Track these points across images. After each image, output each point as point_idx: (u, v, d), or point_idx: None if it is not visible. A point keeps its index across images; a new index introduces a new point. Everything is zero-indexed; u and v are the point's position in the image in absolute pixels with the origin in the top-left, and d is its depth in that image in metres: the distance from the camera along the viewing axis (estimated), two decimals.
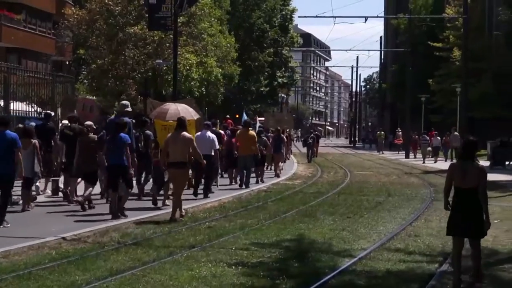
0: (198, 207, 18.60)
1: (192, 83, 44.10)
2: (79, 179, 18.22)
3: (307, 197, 21.78)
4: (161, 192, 18.98)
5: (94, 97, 38.18)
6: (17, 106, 28.00)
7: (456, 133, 45.26)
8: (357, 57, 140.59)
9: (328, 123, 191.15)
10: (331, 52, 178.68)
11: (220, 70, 50.10)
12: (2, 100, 27.62)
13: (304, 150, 49.99)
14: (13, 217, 15.18)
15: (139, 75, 42.76)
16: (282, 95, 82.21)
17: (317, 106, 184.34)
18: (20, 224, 14.62)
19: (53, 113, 23.95)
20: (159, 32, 40.86)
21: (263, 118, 47.17)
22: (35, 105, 29.90)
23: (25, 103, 29.23)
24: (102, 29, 42.90)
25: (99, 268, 10.53)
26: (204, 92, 48.97)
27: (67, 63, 60.16)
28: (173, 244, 12.80)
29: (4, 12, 50.84)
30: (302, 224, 15.65)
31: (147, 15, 38.31)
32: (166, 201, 18.32)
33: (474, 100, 50.98)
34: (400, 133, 65.89)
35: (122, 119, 17.08)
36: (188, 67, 42.52)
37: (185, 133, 16.29)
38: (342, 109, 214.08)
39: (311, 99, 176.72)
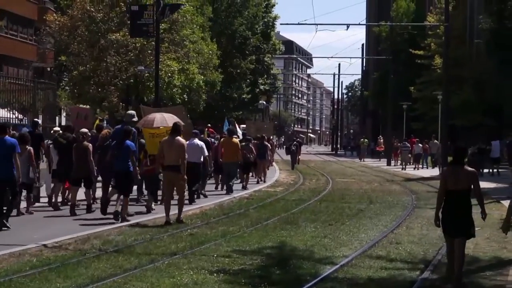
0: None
1: (174, 90, 43.99)
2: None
3: (289, 204, 21.79)
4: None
5: (87, 106, 38.08)
6: None
7: (435, 141, 45.48)
8: (339, 64, 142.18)
9: (310, 130, 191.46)
10: (313, 59, 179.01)
11: (202, 77, 50.03)
12: None
13: (286, 157, 50.06)
14: None
15: (121, 82, 42.62)
16: (263, 102, 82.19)
17: (299, 113, 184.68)
18: (2, 231, 14.53)
19: (40, 121, 24.09)
20: (141, 39, 40.76)
21: (244, 126, 47.20)
22: (16, 112, 29.79)
23: (6, 109, 29.12)
24: (84, 35, 42.74)
25: (80, 275, 10.49)
26: (186, 99, 48.85)
27: (49, 69, 59.94)
28: (155, 251, 12.77)
29: None
30: (284, 231, 15.66)
31: (129, 22, 38.26)
32: (153, 205, 18.64)
33: (455, 107, 51.29)
34: (382, 140, 66.12)
35: (129, 126, 17.89)
36: (170, 74, 42.42)
37: (179, 138, 16.96)
38: (324, 116, 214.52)
39: (293, 106, 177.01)
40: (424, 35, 65.84)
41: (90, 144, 18.61)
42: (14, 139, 15.70)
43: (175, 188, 17.27)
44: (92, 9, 42.15)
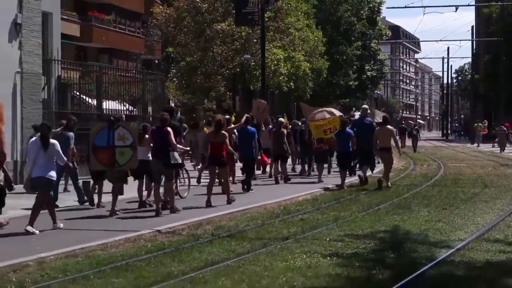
0: (291, 200, 18.56)
1: (280, 78, 44.08)
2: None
3: (400, 190, 21.41)
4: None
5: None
6: (109, 105, 28.51)
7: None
8: (448, 48, 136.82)
9: (419, 116, 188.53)
10: (421, 43, 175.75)
11: (308, 64, 49.91)
12: (95, 99, 28.23)
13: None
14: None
15: (227, 71, 42.99)
16: (378, 92, 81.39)
17: (407, 99, 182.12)
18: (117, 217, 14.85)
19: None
20: (246, 28, 40.98)
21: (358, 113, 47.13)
22: (126, 104, 30.38)
23: (117, 101, 29.73)
24: (190, 26, 43.30)
25: (194, 259, 10.57)
26: (293, 87, 48.88)
27: (157, 61, 61.06)
28: (267, 236, 12.76)
29: (94, 13, 51.99)
30: (396, 216, 15.38)
31: (234, 11, 38.50)
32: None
33: None
34: (486, 124, 65.05)
35: (346, 119, 24.17)
36: (276, 62, 42.51)
37: (388, 126, 22.35)
38: (433, 102, 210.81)
39: (401, 92, 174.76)
40: None
41: (286, 130, 24.27)
42: (254, 128, 21.12)
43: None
44: None
